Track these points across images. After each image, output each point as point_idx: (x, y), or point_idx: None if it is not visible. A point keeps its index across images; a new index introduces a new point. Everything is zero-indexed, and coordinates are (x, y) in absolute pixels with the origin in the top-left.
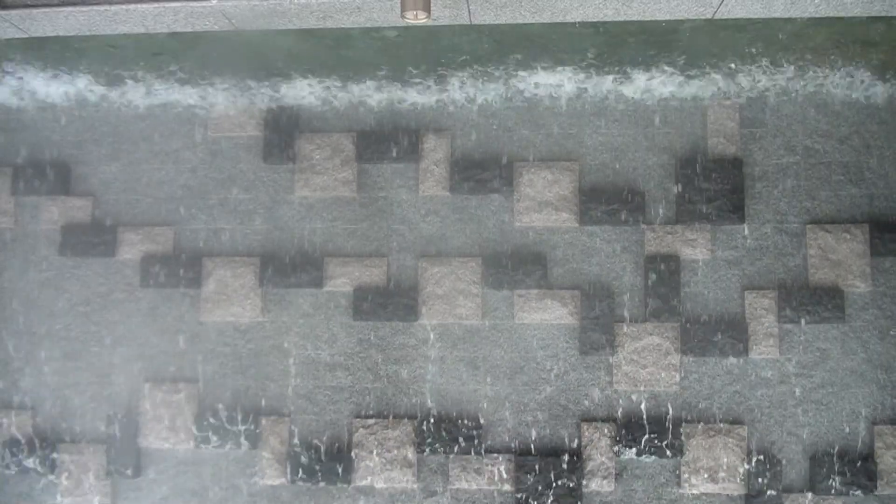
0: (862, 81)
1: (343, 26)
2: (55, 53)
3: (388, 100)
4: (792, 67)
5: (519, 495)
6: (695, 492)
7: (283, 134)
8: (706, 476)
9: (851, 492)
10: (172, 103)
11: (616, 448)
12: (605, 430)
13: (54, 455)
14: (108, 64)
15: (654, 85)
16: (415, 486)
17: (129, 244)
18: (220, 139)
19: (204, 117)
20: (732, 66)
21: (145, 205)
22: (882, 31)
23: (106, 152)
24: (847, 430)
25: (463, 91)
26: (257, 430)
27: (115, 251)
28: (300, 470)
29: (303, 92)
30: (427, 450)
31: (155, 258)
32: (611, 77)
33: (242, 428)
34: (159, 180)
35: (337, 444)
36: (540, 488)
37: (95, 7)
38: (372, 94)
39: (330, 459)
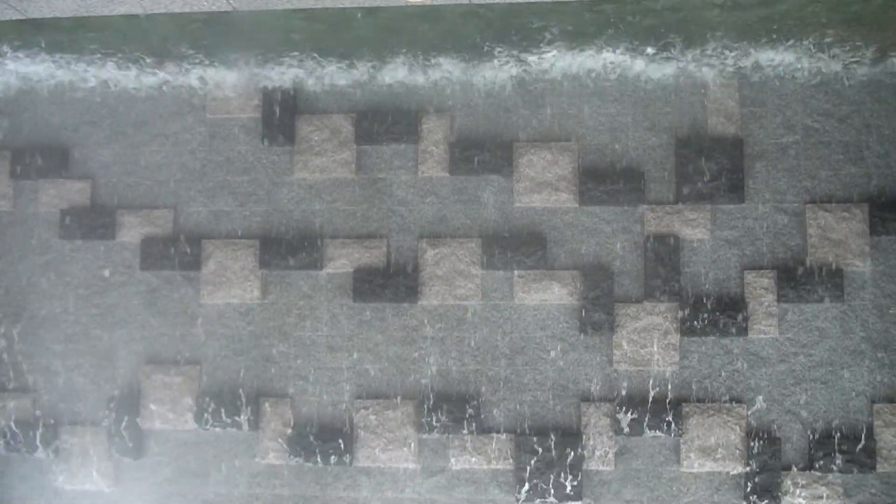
0: (862, 60)
1: (342, 6)
2: (52, 35)
3: (386, 81)
4: (792, 46)
5: (519, 474)
6: (694, 470)
7: (281, 115)
8: (706, 454)
9: (851, 469)
10: (171, 85)
11: (616, 427)
12: (605, 410)
13: (57, 437)
14: (106, 46)
15: (654, 64)
16: (416, 465)
17: (128, 227)
18: (218, 121)
19: (202, 99)
20: (732, 45)
21: (144, 187)
22: (883, 10)
23: (105, 135)
24: (846, 408)
25: (462, 72)
26: (258, 412)
27: (115, 234)
28: (301, 450)
29: (301, 73)
30: (428, 430)
31: (155, 240)
32: (610, 57)
33: (243, 409)
34: (158, 162)
35: (338, 425)
36: (540, 467)
37: None
38: (370, 75)
39: (331, 440)
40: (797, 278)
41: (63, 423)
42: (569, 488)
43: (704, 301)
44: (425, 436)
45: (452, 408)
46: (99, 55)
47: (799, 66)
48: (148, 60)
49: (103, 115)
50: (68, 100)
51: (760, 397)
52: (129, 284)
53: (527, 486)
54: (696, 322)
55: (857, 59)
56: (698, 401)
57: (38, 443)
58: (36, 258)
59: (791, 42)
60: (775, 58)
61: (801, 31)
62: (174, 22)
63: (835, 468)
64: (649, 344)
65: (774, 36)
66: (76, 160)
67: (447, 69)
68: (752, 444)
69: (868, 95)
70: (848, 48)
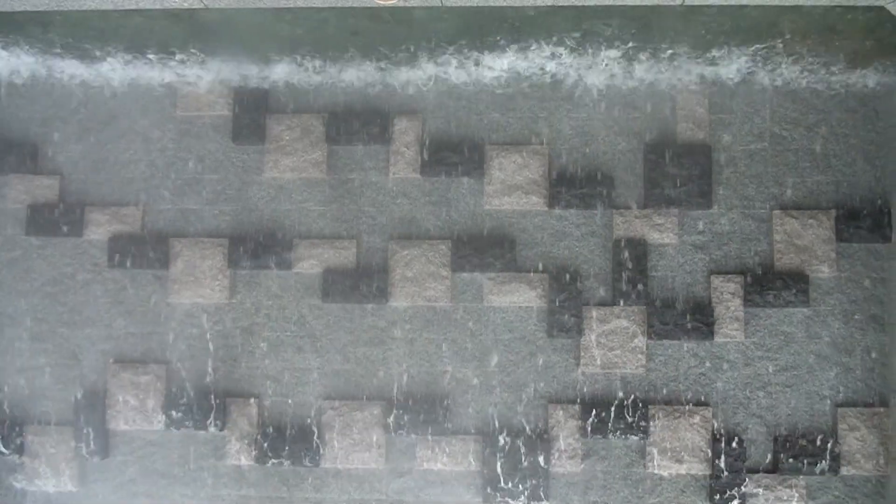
0: (830, 70)
1: (314, 6)
2: (22, 29)
3: (359, 81)
4: (761, 55)
5: (486, 476)
6: (660, 472)
7: (252, 114)
8: (672, 456)
9: (814, 472)
10: (141, 82)
11: (582, 429)
12: (572, 412)
13: (22, 437)
14: (77, 41)
15: (625, 70)
16: (383, 466)
17: (96, 224)
18: (189, 119)
19: (173, 96)
20: (702, 52)
21: (113, 184)
22: (849, 20)
23: (74, 131)
24: (811, 411)
25: (435, 74)
26: (225, 412)
27: (83, 231)
28: (268, 451)
29: (273, 72)
30: (396, 431)
31: (122, 238)
32: (581, 62)
33: (211, 409)
34: (127, 160)
35: (305, 426)
36: (507, 469)
37: None
38: (343, 76)
39: (298, 441)
40: (763, 283)
41: (28, 423)
42: (535, 490)
43: (671, 305)
44: (393, 437)
45: (420, 409)
46: (69, 50)
47: (768, 74)
48: (119, 57)
49: (73, 111)
50: (38, 95)
51: (726, 400)
52: (97, 282)
53: (494, 488)
54: (662, 325)
55: (826, 68)
56: (664, 403)
57: (2, 442)
58: (2, 255)
59: (761, 51)
60: (745, 66)
61: (771, 41)
62: (146, 18)
63: (799, 471)
64: (616, 347)
65: (744, 44)
66: (45, 156)
67: (419, 71)
68: (717, 446)
69: (835, 105)
70: (817, 57)
